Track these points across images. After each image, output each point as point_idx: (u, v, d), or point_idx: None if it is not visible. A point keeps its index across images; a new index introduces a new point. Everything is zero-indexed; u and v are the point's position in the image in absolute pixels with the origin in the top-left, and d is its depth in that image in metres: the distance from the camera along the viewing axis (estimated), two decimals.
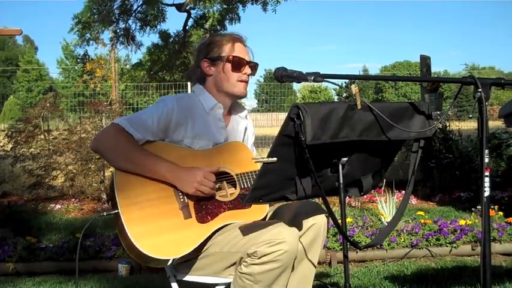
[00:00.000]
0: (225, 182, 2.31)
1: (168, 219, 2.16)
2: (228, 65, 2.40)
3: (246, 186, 2.30)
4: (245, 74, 2.42)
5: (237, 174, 2.31)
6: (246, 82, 2.45)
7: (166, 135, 2.31)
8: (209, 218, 2.22)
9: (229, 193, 2.30)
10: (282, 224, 2.11)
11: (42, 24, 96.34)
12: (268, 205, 2.33)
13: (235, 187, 2.32)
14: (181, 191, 2.20)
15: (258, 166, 2.23)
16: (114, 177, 2.20)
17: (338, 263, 4.14)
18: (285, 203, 2.22)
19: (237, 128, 2.54)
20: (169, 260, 2.14)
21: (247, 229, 2.14)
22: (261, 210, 2.32)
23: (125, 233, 2.09)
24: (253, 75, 2.50)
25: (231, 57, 2.39)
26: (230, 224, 2.24)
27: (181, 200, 2.21)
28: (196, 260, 2.24)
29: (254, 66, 2.47)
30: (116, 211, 2.13)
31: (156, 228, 2.13)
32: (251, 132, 2.66)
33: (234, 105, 2.56)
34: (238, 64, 2.40)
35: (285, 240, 2.00)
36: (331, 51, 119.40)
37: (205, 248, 2.22)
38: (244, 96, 2.48)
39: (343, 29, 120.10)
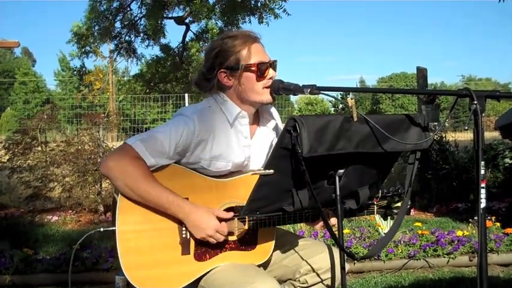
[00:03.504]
0: (235, 219, 2.17)
1: (164, 252, 2.09)
2: (251, 75, 2.14)
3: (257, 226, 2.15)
4: (270, 78, 2.15)
5: None
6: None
7: (183, 156, 2.14)
8: (207, 256, 2.13)
9: (238, 230, 2.17)
10: (264, 278, 2.03)
11: (41, 35, 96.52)
12: (271, 251, 2.23)
13: (245, 224, 2.18)
14: (189, 231, 2.10)
15: None
16: (117, 198, 2.10)
17: None
18: (299, 239, 2.28)
19: (262, 141, 2.31)
20: None
21: (232, 274, 2.08)
22: (261, 255, 2.21)
23: (119, 260, 2.06)
24: (276, 75, 2.19)
25: (253, 66, 2.13)
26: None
27: (184, 235, 2.11)
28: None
29: (275, 65, 2.19)
30: (114, 228, 2.08)
31: (150, 261, 2.08)
32: None
33: (262, 112, 2.31)
34: (261, 71, 2.14)
35: None
36: (328, 62, 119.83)
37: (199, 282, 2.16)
38: (272, 103, 2.23)
39: (340, 40, 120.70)
